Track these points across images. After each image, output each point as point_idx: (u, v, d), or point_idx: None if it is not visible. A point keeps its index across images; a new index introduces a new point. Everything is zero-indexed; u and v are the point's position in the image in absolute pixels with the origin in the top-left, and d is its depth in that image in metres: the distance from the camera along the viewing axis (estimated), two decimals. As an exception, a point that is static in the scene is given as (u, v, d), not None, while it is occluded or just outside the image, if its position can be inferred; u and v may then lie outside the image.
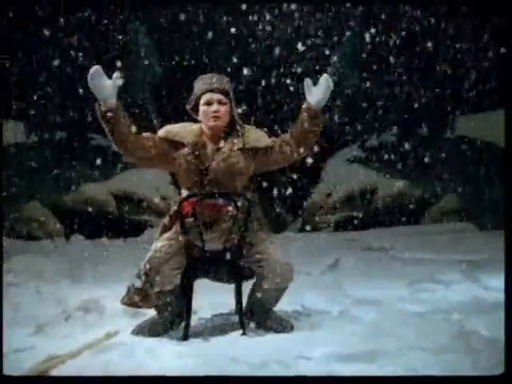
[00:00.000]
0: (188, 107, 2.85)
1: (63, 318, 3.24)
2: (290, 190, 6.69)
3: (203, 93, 2.77)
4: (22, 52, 6.38)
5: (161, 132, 2.83)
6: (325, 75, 2.75)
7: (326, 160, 7.10)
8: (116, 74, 2.59)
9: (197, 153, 2.76)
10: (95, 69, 2.57)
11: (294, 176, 6.96)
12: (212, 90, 2.76)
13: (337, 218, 6.71)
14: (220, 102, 2.77)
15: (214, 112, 2.75)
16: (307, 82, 2.77)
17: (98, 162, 5.91)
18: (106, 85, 2.58)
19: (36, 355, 2.59)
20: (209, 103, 2.77)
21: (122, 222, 6.38)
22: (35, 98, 6.49)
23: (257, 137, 2.83)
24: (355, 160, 7.01)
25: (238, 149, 2.79)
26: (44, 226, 6.30)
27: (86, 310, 3.32)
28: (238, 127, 2.85)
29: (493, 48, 6.43)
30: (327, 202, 6.73)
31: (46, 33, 5.99)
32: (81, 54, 6.21)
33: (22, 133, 6.64)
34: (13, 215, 6.02)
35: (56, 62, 6.35)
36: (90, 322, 3.15)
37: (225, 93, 2.78)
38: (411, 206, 6.64)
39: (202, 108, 2.79)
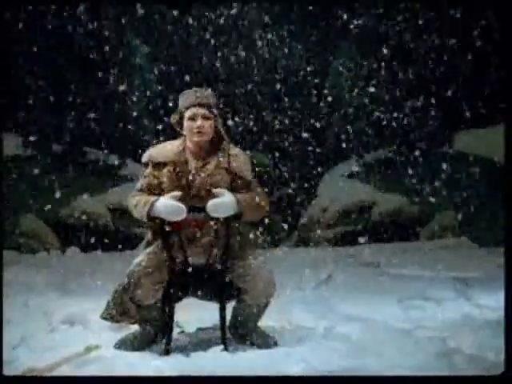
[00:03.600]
0: (173, 122, 2.86)
1: (48, 330, 3.24)
2: (286, 205, 6.70)
3: (187, 107, 2.77)
4: (20, 64, 6.43)
5: (144, 158, 2.85)
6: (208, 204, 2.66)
7: (322, 175, 7.09)
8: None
9: (178, 170, 2.77)
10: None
11: (291, 190, 6.98)
12: (196, 105, 2.76)
13: (333, 233, 6.67)
14: (204, 117, 2.76)
15: (198, 127, 2.75)
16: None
17: (94, 175, 5.93)
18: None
19: (16, 367, 2.58)
20: (193, 118, 2.76)
21: (117, 235, 6.38)
22: (33, 110, 6.55)
23: (243, 166, 2.80)
24: (352, 175, 6.99)
25: (222, 168, 2.78)
26: (40, 238, 6.31)
27: (71, 323, 3.32)
28: (225, 144, 2.85)
29: (493, 62, 6.43)
30: (324, 216, 6.70)
31: (45, 45, 6.07)
32: (80, 66, 6.26)
33: (19, 146, 6.68)
34: (8, 227, 6.03)
35: (55, 75, 6.41)
36: (74, 335, 3.14)
37: (209, 107, 2.77)
38: (408, 222, 6.60)
39: (186, 123, 2.79)
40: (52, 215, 6.40)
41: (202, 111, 2.76)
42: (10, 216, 6.07)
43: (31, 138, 6.45)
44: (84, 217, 6.34)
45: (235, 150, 2.85)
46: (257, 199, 2.75)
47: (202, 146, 2.80)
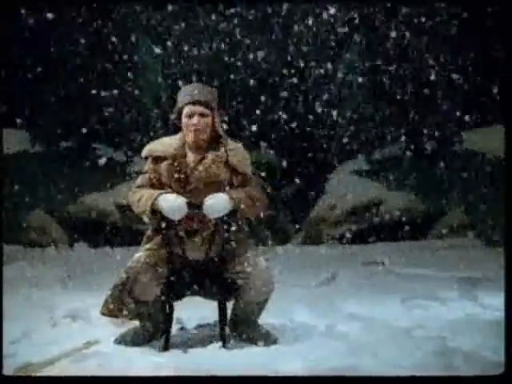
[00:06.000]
0: (172, 117, 2.86)
1: (50, 324, 3.27)
2: (294, 202, 6.67)
3: (185, 104, 2.77)
4: (28, 62, 6.48)
5: (143, 153, 2.86)
6: (206, 204, 2.67)
7: (330, 172, 7.04)
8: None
9: (176, 164, 2.77)
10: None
11: (299, 188, 6.95)
12: (193, 102, 2.75)
13: (340, 231, 6.63)
14: (201, 115, 2.76)
15: (195, 125, 2.74)
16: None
17: (102, 171, 5.95)
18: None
19: (16, 361, 2.60)
20: (190, 116, 2.76)
21: (125, 230, 6.39)
22: (41, 107, 6.59)
23: (241, 160, 2.80)
24: (360, 173, 6.94)
25: (220, 161, 2.78)
26: (48, 233, 6.36)
27: (74, 318, 3.34)
28: (224, 139, 2.85)
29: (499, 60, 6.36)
30: (331, 214, 6.66)
31: (53, 42, 6.11)
32: (88, 63, 6.30)
33: (27, 142, 6.74)
34: (17, 223, 6.09)
35: (62, 72, 6.45)
36: (75, 329, 3.17)
37: (207, 105, 2.77)
38: (417, 221, 6.53)
39: (183, 120, 2.79)
40: (60, 211, 6.45)
41: (199, 109, 2.75)
42: (19, 211, 6.12)
43: (39, 135, 6.52)
44: (92, 212, 6.38)
45: (234, 145, 2.85)
46: (253, 195, 2.74)
47: (201, 142, 2.80)
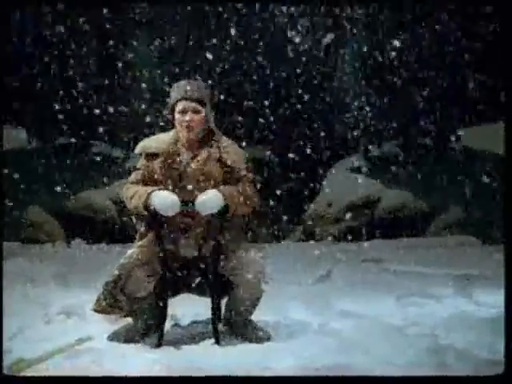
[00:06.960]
0: (166, 113, 2.86)
1: (45, 321, 3.27)
2: (290, 199, 6.67)
3: (178, 100, 2.76)
4: (25, 58, 6.48)
5: (137, 149, 2.86)
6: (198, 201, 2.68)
7: (327, 169, 7.04)
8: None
9: (169, 161, 2.77)
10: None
11: (296, 185, 6.96)
12: (186, 99, 2.74)
13: (337, 228, 6.63)
14: (194, 111, 2.75)
15: (187, 121, 2.74)
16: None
17: (99, 168, 5.95)
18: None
19: (11, 358, 2.61)
20: (183, 112, 2.76)
21: (122, 227, 6.39)
22: (37, 103, 6.59)
23: (234, 157, 2.79)
24: (358, 170, 6.93)
25: (214, 158, 2.78)
26: (45, 230, 6.36)
27: (68, 315, 3.34)
28: (217, 135, 2.85)
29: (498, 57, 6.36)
30: (328, 211, 6.65)
31: (49, 39, 6.11)
32: (84, 60, 6.29)
33: (23, 138, 6.74)
34: (14, 219, 6.09)
35: (59, 68, 6.46)
36: (70, 326, 3.17)
37: (200, 101, 2.76)
38: (414, 218, 6.53)
39: (176, 116, 2.78)
40: (57, 207, 6.45)
41: (192, 105, 2.75)
42: (16, 208, 6.11)
43: (36, 131, 6.51)
44: (89, 209, 6.38)
45: (227, 142, 2.85)
46: (245, 192, 2.74)
47: (194, 138, 2.80)
